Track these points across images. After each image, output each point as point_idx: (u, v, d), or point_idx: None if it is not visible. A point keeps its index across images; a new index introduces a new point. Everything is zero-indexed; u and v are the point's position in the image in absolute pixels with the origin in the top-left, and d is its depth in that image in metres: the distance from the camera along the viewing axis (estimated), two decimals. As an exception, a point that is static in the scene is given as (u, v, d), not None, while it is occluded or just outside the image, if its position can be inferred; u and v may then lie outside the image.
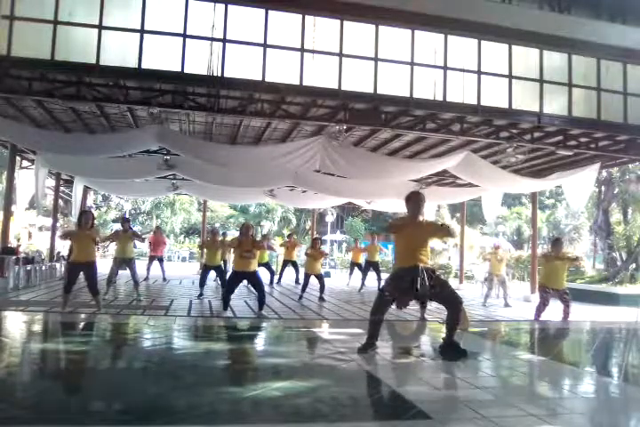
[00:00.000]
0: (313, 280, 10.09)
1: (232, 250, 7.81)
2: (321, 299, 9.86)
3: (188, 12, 7.13)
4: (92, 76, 7.11)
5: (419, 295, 4.51)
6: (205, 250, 10.47)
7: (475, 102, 8.19)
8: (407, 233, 4.61)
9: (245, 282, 7.90)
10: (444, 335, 4.55)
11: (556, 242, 8.00)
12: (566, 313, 7.57)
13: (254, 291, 8.16)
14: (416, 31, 7.89)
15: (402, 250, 4.72)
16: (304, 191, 14.36)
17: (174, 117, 9.49)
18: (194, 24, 7.16)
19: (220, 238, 11.06)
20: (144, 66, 7.00)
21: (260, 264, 9.43)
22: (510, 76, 8.32)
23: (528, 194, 19.12)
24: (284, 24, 7.51)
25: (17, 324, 6.09)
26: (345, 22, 7.61)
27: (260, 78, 7.33)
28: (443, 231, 4.73)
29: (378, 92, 7.76)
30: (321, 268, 10.64)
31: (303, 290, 10.05)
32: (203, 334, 6.01)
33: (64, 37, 6.90)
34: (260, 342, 5.68)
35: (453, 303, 4.48)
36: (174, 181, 13.61)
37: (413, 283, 4.35)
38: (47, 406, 2.85)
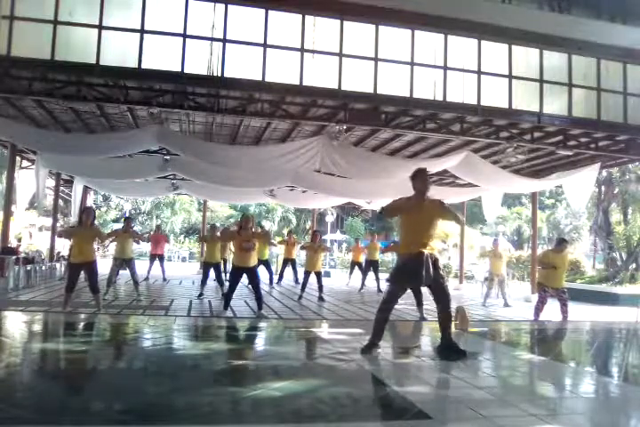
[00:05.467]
0: (312, 280, 10.03)
1: (231, 245, 7.67)
2: (320, 299, 9.82)
3: (188, 12, 7.15)
4: (92, 76, 7.12)
5: (419, 284, 4.45)
6: (205, 247, 10.39)
7: (475, 102, 8.20)
8: (413, 215, 4.40)
9: (246, 282, 7.87)
10: (440, 336, 4.53)
11: (561, 242, 7.98)
12: (564, 313, 7.57)
13: (252, 289, 8.13)
14: (416, 31, 7.90)
15: (407, 234, 4.51)
16: (304, 191, 14.36)
17: (174, 117, 9.49)
18: (194, 24, 7.17)
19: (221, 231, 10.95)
20: (144, 66, 7.01)
21: (259, 261, 9.37)
22: (510, 76, 8.33)
23: (528, 194, 19.14)
24: (284, 24, 7.53)
25: (17, 324, 6.08)
26: (345, 22, 7.62)
27: (260, 78, 7.34)
28: (449, 214, 4.54)
29: (378, 92, 7.77)
30: (321, 265, 10.55)
31: (303, 289, 10.00)
32: (203, 334, 6.01)
33: (64, 37, 6.91)
34: (259, 343, 5.67)
35: (444, 298, 4.41)
36: (174, 181, 13.63)
37: (417, 272, 4.27)
38: (47, 406, 2.85)
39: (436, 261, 4.39)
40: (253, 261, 7.26)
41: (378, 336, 4.48)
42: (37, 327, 6.11)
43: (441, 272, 4.46)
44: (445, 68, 8.06)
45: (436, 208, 4.47)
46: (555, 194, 30.96)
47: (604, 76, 8.73)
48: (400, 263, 4.55)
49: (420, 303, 7.69)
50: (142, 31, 7.01)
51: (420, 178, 4.50)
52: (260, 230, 8.46)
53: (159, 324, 6.22)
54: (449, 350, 4.37)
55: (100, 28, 6.92)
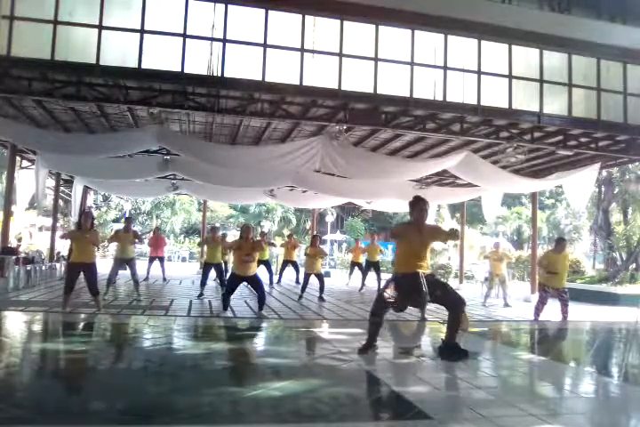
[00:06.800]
0: (313, 280, 10.08)
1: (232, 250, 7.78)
2: (321, 299, 9.85)
3: (188, 12, 7.13)
4: (92, 76, 7.11)
5: (419, 302, 4.55)
6: (205, 248, 10.45)
7: (475, 102, 8.18)
8: (409, 239, 4.63)
9: (246, 282, 7.88)
10: (444, 336, 4.54)
11: (560, 242, 8.00)
12: (564, 313, 7.58)
13: (255, 291, 8.15)
14: (416, 31, 7.88)
15: (402, 256, 4.73)
16: (304, 191, 14.36)
17: (174, 117, 9.49)
18: (194, 24, 7.16)
19: (220, 235, 11.01)
20: (144, 66, 7.00)
21: (259, 262, 9.38)
22: (510, 76, 8.31)
23: (528, 194, 19.13)
24: (284, 24, 7.51)
25: (17, 324, 6.09)
26: (345, 22, 7.60)
27: (260, 78, 7.33)
28: (446, 234, 4.71)
29: (378, 92, 7.76)
30: (321, 267, 10.59)
31: (303, 290, 10.02)
32: (203, 334, 6.01)
33: (64, 37, 6.90)
34: (259, 343, 5.68)
35: (455, 305, 4.46)
36: (174, 181, 13.63)
37: (414, 290, 4.38)
38: (47, 406, 2.85)
39: (432, 277, 4.53)
40: (253, 270, 7.39)
41: (374, 337, 4.57)
42: (37, 327, 6.11)
43: (444, 283, 4.64)
44: (445, 68, 8.05)
45: (433, 232, 4.74)
46: (555, 194, 30.96)
47: (604, 76, 8.72)
48: (396, 278, 4.65)
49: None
50: (142, 31, 7.00)
51: (418, 207, 4.71)
52: (259, 238, 8.51)
53: (159, 324, 6.22)
54: (450, 350, 4.39)
55: (100, 28, 6.91)
